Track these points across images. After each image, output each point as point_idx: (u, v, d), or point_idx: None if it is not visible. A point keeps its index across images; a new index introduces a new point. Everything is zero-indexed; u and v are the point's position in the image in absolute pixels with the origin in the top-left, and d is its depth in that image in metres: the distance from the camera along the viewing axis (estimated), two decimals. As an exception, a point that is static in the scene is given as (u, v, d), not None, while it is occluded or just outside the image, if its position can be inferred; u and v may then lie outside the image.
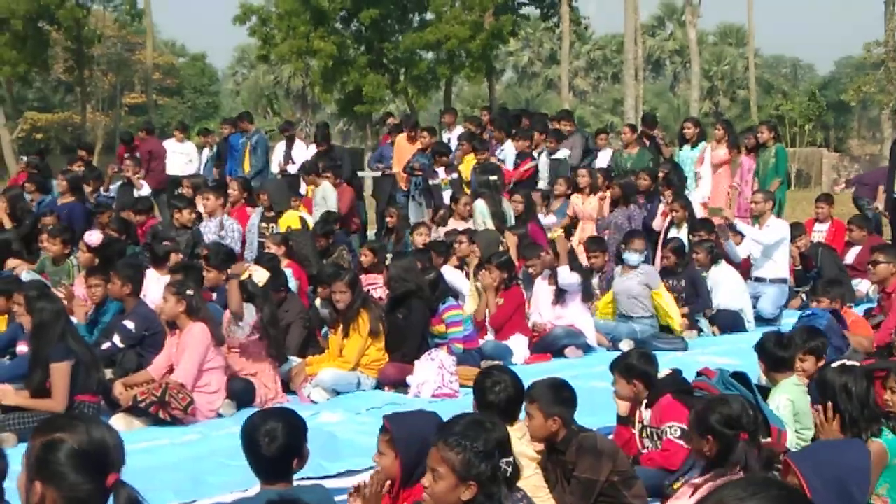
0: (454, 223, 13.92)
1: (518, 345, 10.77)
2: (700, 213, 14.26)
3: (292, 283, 11.35)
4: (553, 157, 16.33)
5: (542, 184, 16.02)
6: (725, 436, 5.14)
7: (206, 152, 20.39)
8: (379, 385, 9.63)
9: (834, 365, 5.77)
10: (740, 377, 6.71)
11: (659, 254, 13.30)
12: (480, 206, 13.75)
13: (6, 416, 7.92)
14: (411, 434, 4.90)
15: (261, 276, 9.35)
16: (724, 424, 5.17)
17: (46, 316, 8.03)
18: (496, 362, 10.09)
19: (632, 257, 11.61)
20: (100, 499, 3.06)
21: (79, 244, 11.92)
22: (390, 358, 9.69)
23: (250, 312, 9.03)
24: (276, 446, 4.53)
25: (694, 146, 16.18)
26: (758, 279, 12.88)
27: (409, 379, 9.42)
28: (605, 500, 5.78)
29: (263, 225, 13.83)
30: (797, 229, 13.99)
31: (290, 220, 13.69)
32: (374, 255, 12.02)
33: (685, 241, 12.80)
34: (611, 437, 6.51)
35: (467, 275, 12.11)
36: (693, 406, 6.34)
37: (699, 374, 7.11)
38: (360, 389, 9.51)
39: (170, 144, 19.98)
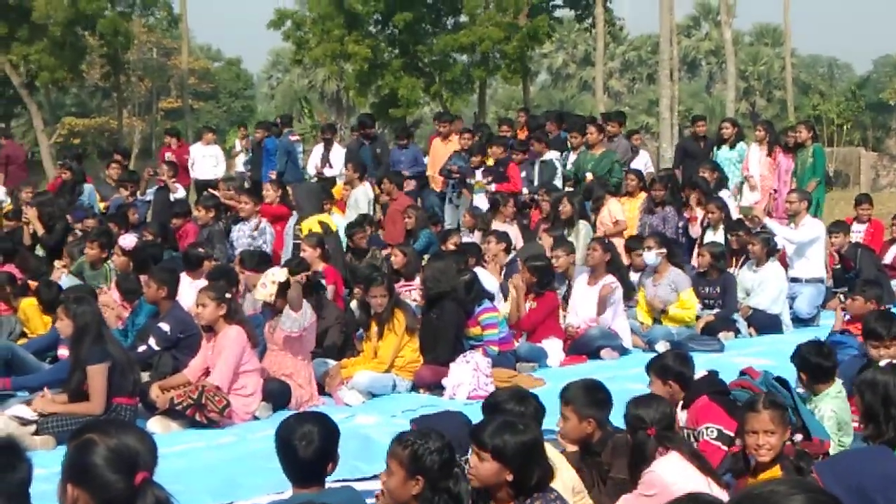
0: (499, 225, 13.83)
1: (552, 347, 10.73)
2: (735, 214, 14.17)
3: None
4: (542, 160, 15.89)
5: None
6: (634, 429, 5.58)
7: (243, 156, 20.58)
8: (414, 387, 9.63)
9: (882, 363, 5.76)
10: (781, 383, 6.66)
11: (695, 257, 13.28)
12: (586, 227, 13.68)
13: (45, 419, 7.98)
14: None
15: (280, 275, 9.38)
16: (631, 421, 5.62)
17: (87, 319, 8.09)
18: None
19: (648, 256, 11.58)
20: (130, 500, 3.08)
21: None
22: (425, 360, 9.69)
23: (308, 309, 9.02)
24: (312, 450, 4.54)
25: (732, 147, 16.09)
26: (794, 279, 12.76)
27: (444, 381, 9.41)
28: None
29: (299, 228, 13.87)
30: (840, 227, 13.85)
31: (310, 225, 13.73)
32: (404, 256, 11.99)
33: (722, 244, 12.73)
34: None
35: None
36: (730, 407, 6.32)
37: (742, 373, 7.06)
38: (396, 392, 9.51)
39: (197, 148, 20.09)
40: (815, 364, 7.04)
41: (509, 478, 4.59)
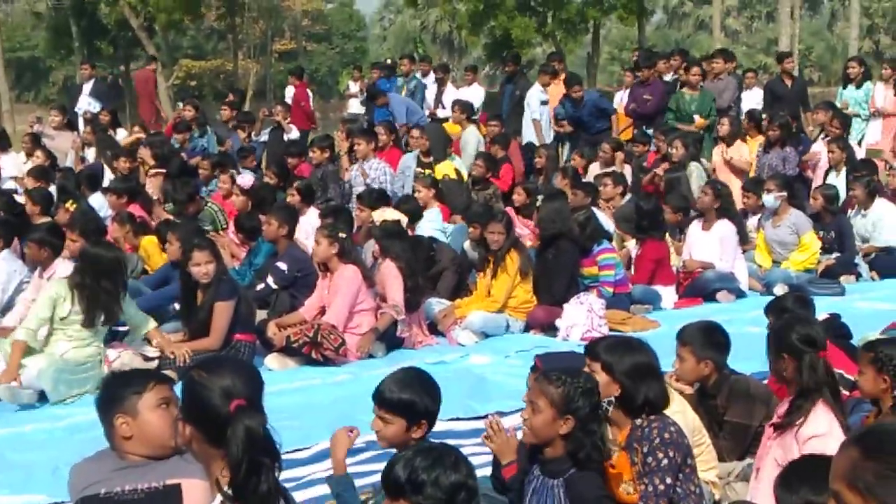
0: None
1: (665, 292, 10.58)
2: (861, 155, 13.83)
3: (440, 226, 11.41)
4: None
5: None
6: (803, 353, 4.91)
7: (357, 98, 20.73)
8: (527, 328, 9.61)
9: None
10: None
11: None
12: (699, 170, 13.51)
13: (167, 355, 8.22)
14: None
15: (391, 214, 9.39)
16: (803, 342, 4.96)
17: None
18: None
19: (768, 199, 11.36)
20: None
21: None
22: (539, 300, 9.64)
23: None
24: None
25: (858, 86, 15.63)
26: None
27: (557, 322, 9.35)
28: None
29: (419, 170, 13.80)
30: None
31: (445, 169, 13.73)
32: (527, 196, 11.95)
33: (842, 187, 12.39)
34: (766, 381, 6.36)
35: None
36: (851, 352, 6.18)
37: None
38: (509, 332, 9.49)
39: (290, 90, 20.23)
40: None
41: (616, 392, 4.62)
